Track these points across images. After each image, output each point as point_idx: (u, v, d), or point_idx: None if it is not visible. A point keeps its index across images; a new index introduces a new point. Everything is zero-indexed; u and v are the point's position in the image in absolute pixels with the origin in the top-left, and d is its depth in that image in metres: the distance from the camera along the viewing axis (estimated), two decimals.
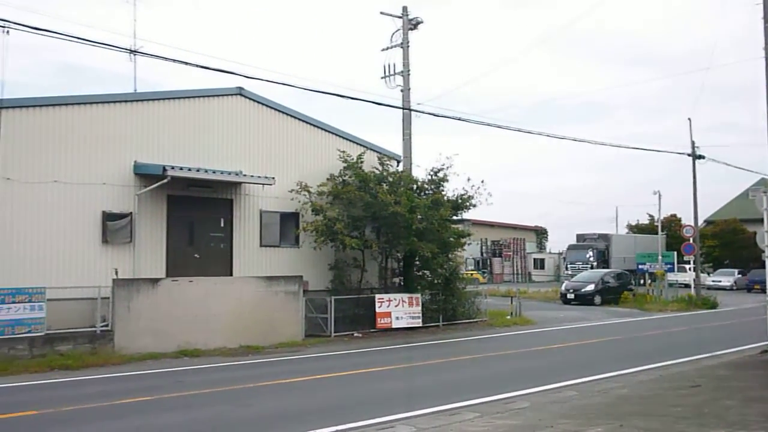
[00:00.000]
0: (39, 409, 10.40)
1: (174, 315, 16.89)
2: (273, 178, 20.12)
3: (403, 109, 24.18)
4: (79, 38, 15.24)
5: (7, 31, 14.10)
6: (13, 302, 14.92)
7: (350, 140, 23.43)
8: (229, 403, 10.83)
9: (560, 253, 60.03)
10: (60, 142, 17.39)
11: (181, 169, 18.29)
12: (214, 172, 19.17)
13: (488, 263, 58.98)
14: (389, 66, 24.47)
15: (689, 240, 37.35)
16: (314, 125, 22.81)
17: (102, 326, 16.17)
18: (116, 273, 17.39)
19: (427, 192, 23.42)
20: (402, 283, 23.59)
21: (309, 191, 21.29)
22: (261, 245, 20.99)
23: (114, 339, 16.13)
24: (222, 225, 20.28)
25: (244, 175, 20.03)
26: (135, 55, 18.63)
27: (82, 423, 9.59)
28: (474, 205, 23.99)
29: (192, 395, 11.63)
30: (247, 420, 9.83)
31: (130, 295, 16.49)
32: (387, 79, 24.56)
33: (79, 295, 16.52)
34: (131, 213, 18.26)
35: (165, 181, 17.95)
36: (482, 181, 23.81)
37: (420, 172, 24.08)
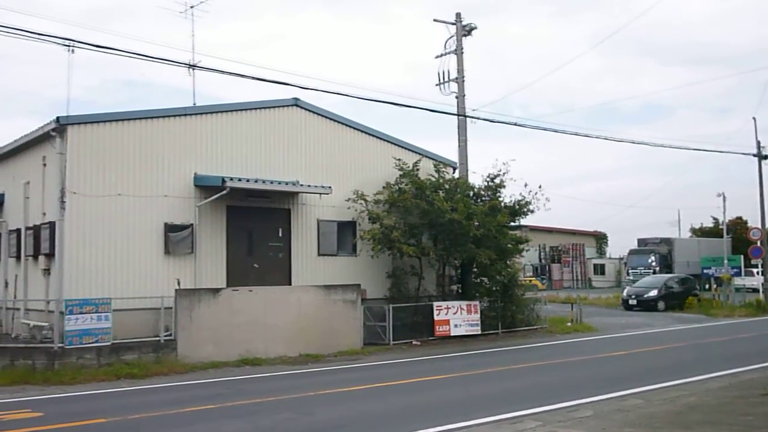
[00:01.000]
0: (107, 417, 10.65)
1: (234, 324, 17.13)
2: (330, 187, 20.27)
3: (458, 115, 24.10)
4: (140, 55, 15.67)
5: (73, 50, 14.58)
6: (81, 313, 15.34)
7: (406, 148, 23.45)
8: (291, 411, 10.90)
9: (621, 258, 58.87)
10: (123, 156, 17.83)
11: (239, 180, 18.57)
12: (272, 183, 19.40)
13: (547, 269, 58.21)
14: (443, 73, 24.43)
15: (757, 243, 36.20)
16: (369, 134, 22.92)
17: (165, 336, 16.49)
18: (178, 283, 17.72)
19: (483, 198, 23.28)
20: (460, 291, 23.46)
21: (365, 200, 21.38)
22: (319, 254, 21.14)
23: (177, 348, 16.43)
24: (280, 235, 20.50)
25: (302, 185, 20.23)
26: (194, 69, 19.03)
27: (150, 429, 9.77)
28: (531, 211, 23.77)
29: (255, 403, 11.76)
30: (310, 428, 9.88)
31: (191, 305, 16.78)
32: (441, 86, 24.52)
33: (143, 305, 16.90)
34: (192, 224, 18.61)
35: (224, 192, 18.24)
36: (540, 187, 23.59)
37: (476, 179, 23.97)
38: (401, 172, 22.13)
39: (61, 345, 15.24)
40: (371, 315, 20.46)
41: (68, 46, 15.09)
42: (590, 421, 9.41)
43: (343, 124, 22.36)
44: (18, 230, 19.65)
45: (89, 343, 15.41)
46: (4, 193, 21.08)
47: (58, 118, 16.87)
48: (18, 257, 19.60)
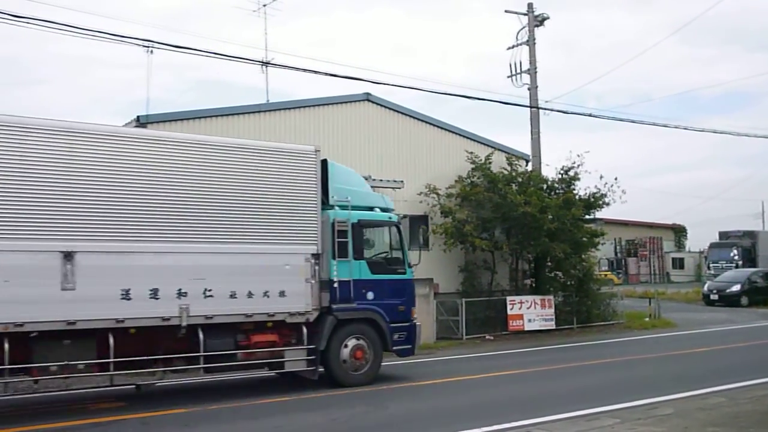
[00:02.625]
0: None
1: None
2: (402, 181, 20.29)
3: (530, 107, 23.79)
4: (216, 54, 16.02)
5: (151, 51, 15.02)
6: None
7: (477, 141, 23.29)
8: (366, 405, 10.96)
9: (701, 252, 57.01)
10: None
11: None
12: None
13: (623, 263, 56.86)
14: (515, 64, 24.16)
15: None
16: (441, 127, 22.84)
17: None
18: None
19: (557, 191, 22.92)
20: (533, 285, 23.18)
21: (438, 194, 21.32)
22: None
23: None
24: None
25: (373, 180, 20.28)
26: (266, 66, 19.36)
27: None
28: (607, 204, 23.31)
29: (325, 396, 11.85)
30: (385, 421, 9.93)
31: None
32: (513, 77, 24.25)
33: None
34: None
35: None
36: (615, 179, 23.12)
37: (549, 171, 23.64)
38: (473, 166, 21.98)
39: None
40: (444, 309, 20.41)
41: (147, 47, 15.56)
42: (671, 420, 9.15)
43: (414, 118, 22.35)
44: None
45: None
46: None
47: (138, 117, 17.40)
48: None
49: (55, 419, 10.10)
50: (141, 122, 17.35)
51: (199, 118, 18.53)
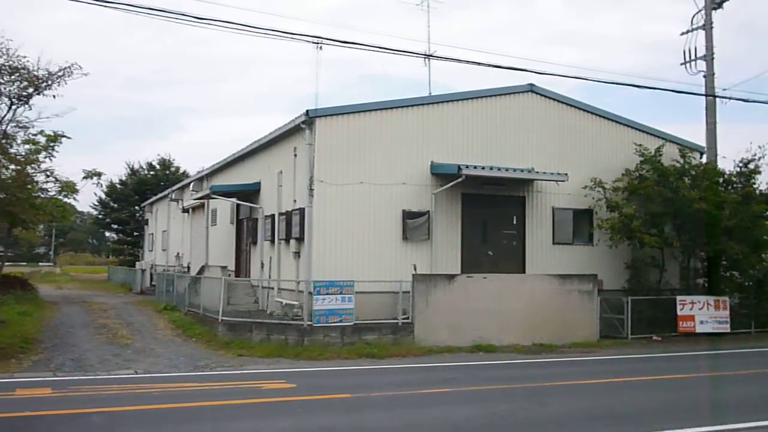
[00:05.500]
0: (352, 392, 11.32)
1: (468, 310, 17.37)
2: (565, 174, 19.80)
3: (706, 96, 22.41)
4: (381, 48, 16.34)
5: (320, 47, 15.56)
6: (327, 294, 16.45)
7: (646, 132, 22.28)
8: (525, 400, 10.87)
9: None
10: (364, 146, 18.74)
11: (474, 167, 18.75)
12: (506, 170, 19.37)
13: None
14: (689, 51, 22.82)
15: None
16: (607, 118, 22.05)
17: (403, 319, 17.15)
18: (415, 269, 18.32)
19: (735, 186, 21.48)
20: (706, 285, 21.87)
21: (603, 187, 20.62)
22: (553, 243, 20.79)
23: (414, 331, 17.03)
24: (514, 222, 20.43)
25: (537, 172, 19.97)
26: (429, 59, 19.53)
27: (389, 408, 10.24)
28: None
29: (488, 390, 11.88)
30: (546, 419, 9.76)
31: (428, 290, 17.29)
32: (687, 65, 22.93)
33: (381, 288, 17.68)
34: (428, 211, 19.12)
35: (460, 179, 18.52)
36: None
37: (726, 164, 22.20)
38: (642, 158, 21.04)
39: (309, 323, 16.45)
40: (608, 307, 19.74)
41: (316, 43, 16.14)
42: None
43: (579, 108, 21.72)
44: (272, 216, 21.41)
45: (334, 323, 16.48)
46: (260, 182, 23.07)
47: (307, 111, 18.12)
48: (272, 241, 21.37)
49: (229, 397, 10.80)
50: (310, 116, 18.06)
51: (365, 111, 19.00)
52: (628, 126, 22.21)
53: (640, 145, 21.18)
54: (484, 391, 11.74)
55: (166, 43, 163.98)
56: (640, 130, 22.25)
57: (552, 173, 19.95)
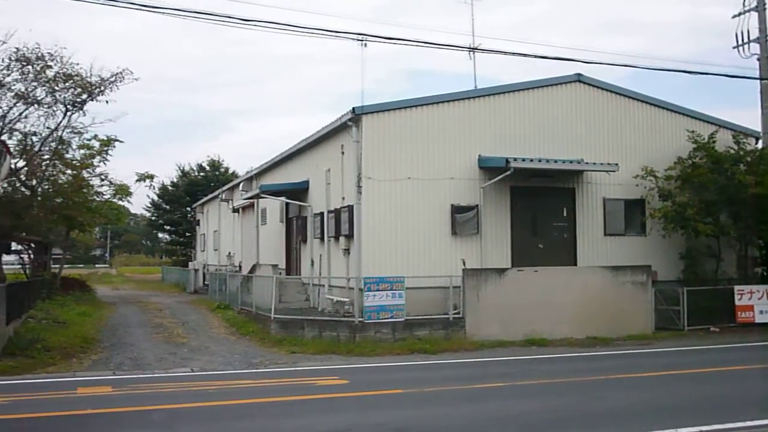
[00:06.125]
0: (404, 388, 11.33)
1: (520, 304, 17.25)
2: (616, 164, 19.49)
3: (760, 79, 21.83)
4: (425, 43, 16.35)
5: (365, 44, 15.62)
6: (378, 290, 16.50)
7: (699, 119, 21.79)
8: (581, 394, 10.74)
9: None
10: (411, 141, 18.72)
11: (523, 160, 18.58)
12: (555, 162, 19.16)
13: None
14: (742, 33, 22.27)
15: None
16: (658, 106, 21.62)
17: (454, 314, 17.11)
18: (464, 263, 18.24)
19: None
20: (765, 274, 21.31)
21: (655, 176, 20.24)
22: (605, 234, 20.48)
23: (465, 326, 16.97)
24: (564, 214, 20.19)
25: (586, 163, 19.70)
26: (474, 52, 19.42)
27: (442, 403, 10.21)
28: None
29: (543, 384, 11.77)
30: (601, 413, 9.62)
31: (478, 285, 17.21)
32: (740, 48, 22.42)
33: (431, 284, 17.66)
34: (477, 205, 19.02)
35: (508, 173, 18.38)
36: None
37: None
38: (695, 146, 20.59)
39: (360, 319, 16.53)
40: (662, 298, 19.38)
41: (361, 40, 16.23)
42: None
43: (628, 97, 21.34)
44: (321, 213, 21.56)
45: (385, 319, 16.52)
46: (308, 180, 23.24)
47: (353, 108, 18.18)
48: (322, 238, 21.52)
49: (283, 394, 10.92)
50: (356, 113, 18.12)
51: (411, 107, 18.98)
52: (680, 113, 21.74)
53: (693, 132, 20.73)
54: (538, 385, 11.64)
55: (213, 46, 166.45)
56: (692, 116, 21.77)
57: (602, 164, 19.66)
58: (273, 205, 26.80)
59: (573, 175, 20.19)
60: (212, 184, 54.50)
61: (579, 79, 20.63)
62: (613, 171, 19.59)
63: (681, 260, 20.71)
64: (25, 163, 20.12)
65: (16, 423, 8.88)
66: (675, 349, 16.40)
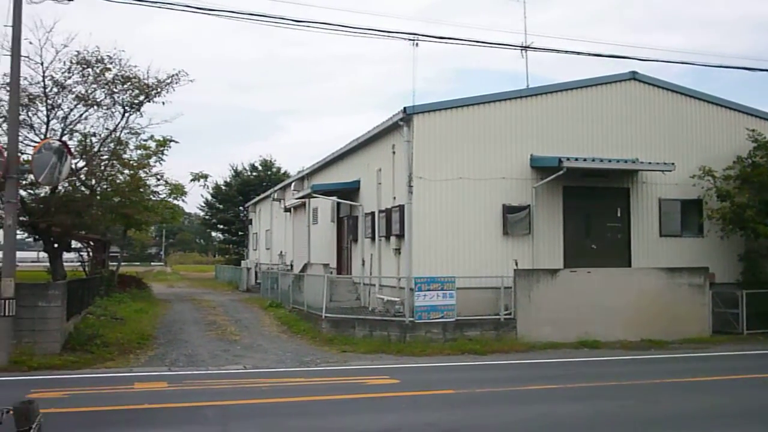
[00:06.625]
0: (455, 388, 11.31)
1: (572, 305, 17.03)
2: (672, 164, 19.08)
3: None
4: (477, 42, 16.25)
5: (417, 44, 15.61)
6: (428, 290, 16.48)
7: (759, 117, 21.23)
8: (634, 398, 10.55)
9: None
10: (462, 141, 18.65)
11: (576, 159, 18.34)
12: (609, 161, 18.87)
13: None
14: None
15: None
16: (715, 103, 21.10)
17: (505, 314, 16.98)
18: (516, 264, 18.10)
19: None
20: None
21: (713, 176, 19.76)
22: (660, 235, 20.07)
23: (516, 327, 16.84)
24: (618, 215, 19.86)
25: (641, 162, 19.35)
26: (526, 51, 19.20)
27: (493, 404, 10.16)
28: None
29: (594, 387, 11.61)
30: (657, 418, 9.42)
31: (530, 285, 17.05)
32: None
33: (482, 284, 17.57)
34: (529, 205, 18.84)
35: (560, 172, 18.15)
36: None
37: None
38: (755, 144, 20.06)
39: (411, 319, 16.53)
40: (720, 301, 18.93)
41: (412, 40, 16.23)
42: None
43: (685, 95, 20.88)
44: (372, 213, 21.62)
45: (436, 319, 16.50)
46: (359, 180, 23.33)
47: (405, 108, 18.19)
48: (372, 238, 21.58)
49: (334, 392, 11.00)
50: (407, 113, 18.13)
51: (463, 106, 18.91)
52: (739, 111, 21.19)
53: (753, 130, 20.19)
54: (590, 388, 11.48)
55: (265, 47, 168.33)
56: (752, 114, 21.20)
57: (657, 163, 19.28)
58: (324, 205, 26.99)
59: (627, 175, 19.84)
60: (264, 184, 55.17)
61: (634, 76, 20.27)
62: (669, 170, 19.19)
63: (740, 262, 20.20)
64: (84, 163, 20.61)
65: (76, 416, 9.13)
66: (734, 353, 16.01)
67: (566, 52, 16.98)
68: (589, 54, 16.83)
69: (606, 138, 19.73)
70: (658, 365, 14.30)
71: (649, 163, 19.35)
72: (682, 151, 20.22)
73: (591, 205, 19.61)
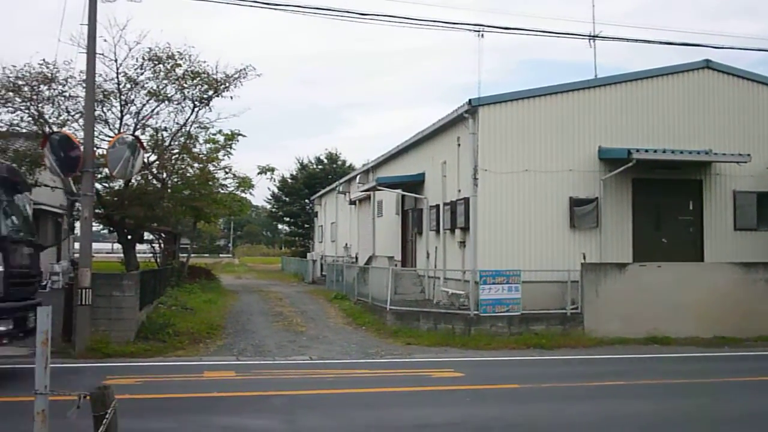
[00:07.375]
0: (520, 383, 11.23)
1: (642, 301, 16.66)
2: (748, 155, 18.42)
3: None
4: (544, 32, 16.04)
5: (482, 35, 15.49)
6: (494, 283, 16.37)
7: None
8: (705, 397, 10.29)
9: None
10: (528, 132, 18.42)
11: (646, 151, 17.91)
12: (681, 153, 18.36)
13: None
14: None
15: None
16: None
17: (572, 309, 16.73)
18: (584, 257, 17.81)
19: None
20: None
21: None
22: (735, 229, 19.43)
23: (583, 322, 16.58)
24: (690, 208, 19.32)
25: (715, 154, 18.76)
26: (595, 40, 18.82)
27: (558, 400, 10.05)
28: None
29: (665, 384, 11.36)
30: (730, 417, 9.16)
31: (597, 280, 16.76)
32: None
33: (548, 278, 17.35)
34: (597, 198, 18.50)
35: (630, 164, 17.75)
36: None
37: None
38: None
39: (476, 312, 16.45)
40: None
41: (478, 31, 16.12)
42: None
43: (762, 83, 20.08)
44: (437, 206, 21.57)
45: (501, 312, 16.38)
46: (424, 173, 23.31)
47: (470, 100, 18.07)
48: (437, 231, 21.55)
49: (399, 384, 11.05)
50: (473, 105, 18.01)
51: (529, 98, 18.68)
52: None
53: None
54: (659, 386, 11.22)
55: (331, 41, 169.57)
56: None
57: (732, 154, 18.65)
58: (389, 198, 27.07)
59: (700, 167, 19.27)
60: (330, 177, 55.65)
61: (708, 65, 19.63)
62: (745, 162, 18.53)
63: None
64: (156, 157, 21.19)
65: (147, 403, 9.42)
66: None
67: (635, 40, 16.62)
68: (660, 42, 16.39)
69: (678, 129, 19.20)
70: (732, 363, 13.89)
71: (723, 154, 18.74)
72: (759, 141, 19.50)
73: (662, 197, 19.12)
